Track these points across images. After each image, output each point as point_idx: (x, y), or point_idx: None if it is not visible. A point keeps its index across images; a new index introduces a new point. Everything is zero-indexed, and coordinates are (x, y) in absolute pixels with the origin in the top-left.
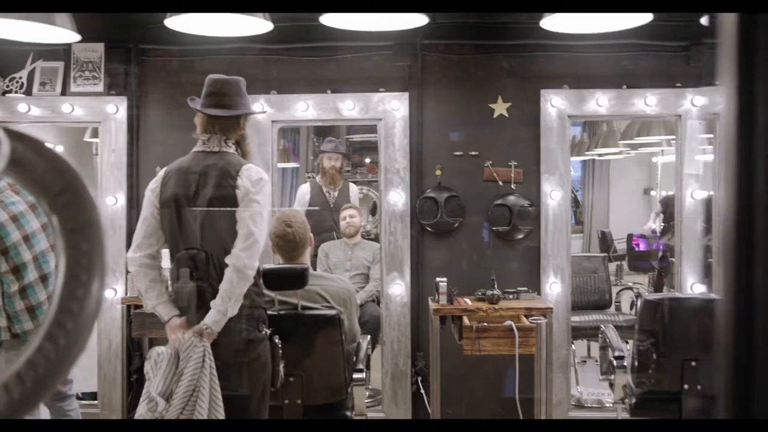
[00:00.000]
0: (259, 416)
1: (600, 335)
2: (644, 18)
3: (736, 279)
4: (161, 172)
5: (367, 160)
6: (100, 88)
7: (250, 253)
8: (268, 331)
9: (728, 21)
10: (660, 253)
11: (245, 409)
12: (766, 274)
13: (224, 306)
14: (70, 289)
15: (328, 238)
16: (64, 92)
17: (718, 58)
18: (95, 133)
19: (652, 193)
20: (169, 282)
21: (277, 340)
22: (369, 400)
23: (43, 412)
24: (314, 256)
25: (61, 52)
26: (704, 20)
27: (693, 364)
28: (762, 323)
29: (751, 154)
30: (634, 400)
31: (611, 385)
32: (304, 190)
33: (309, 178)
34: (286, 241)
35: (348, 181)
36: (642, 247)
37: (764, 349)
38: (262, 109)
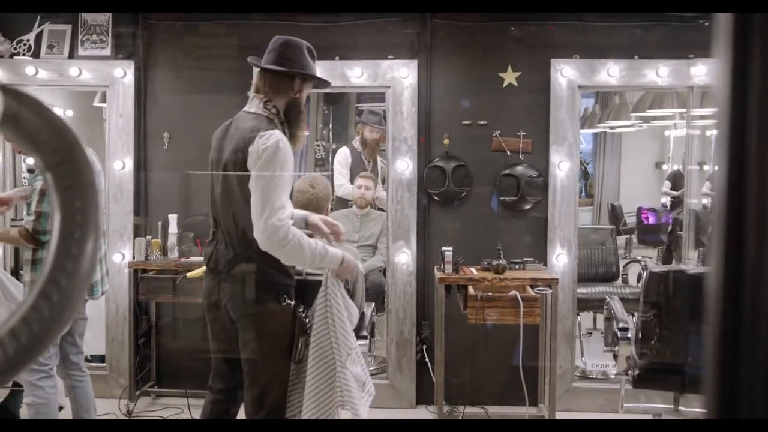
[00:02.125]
0: (275, 388)
1: (605, 307)
2: None
3: (726, 251)
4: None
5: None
6: (107, 51)
7: (265, 226)
8: (292, 303)
9: None
10: (669, 227)
11: (262, 379)
12: (757, 247)
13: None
14: (64, 246)
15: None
16: (71, 56)
17: (714, 32)
18: (104, 98)
19: (664, 167)
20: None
21: (303, 315)
22: (374, 368)
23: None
24: None
25: (69, 15)
26: None
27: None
28: (750, 296)
29: (743, 130)
30: (637, 372)
31: (615, 357)
32: (346, 153)
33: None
34: (305, 199)
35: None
36: (651, 220)
37: (752, 322)
38: None
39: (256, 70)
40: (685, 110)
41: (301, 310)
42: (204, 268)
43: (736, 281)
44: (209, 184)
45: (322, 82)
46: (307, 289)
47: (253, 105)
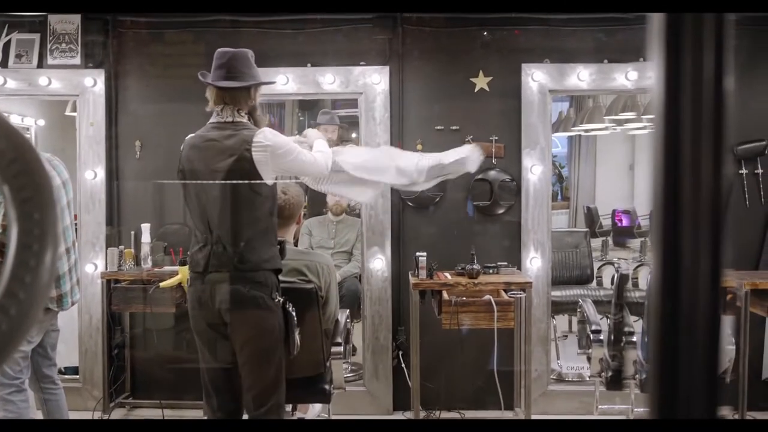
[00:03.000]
0: (277, 385)
1: (578, 310)
2: None
3: (664, 252)
4: (183, 143)
5: (353, 135)
6: (77, 60)
7: (317, 165)
8: (281, 299)
9: None
10: (641, 228)
11: (265, 377)
12: (693, 245)
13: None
14: (22, 259)
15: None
16: (40, 65)
17: (648, 33)
18: (77, 107)
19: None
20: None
21: (291, 309)
22: (350, 375)
23: None
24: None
25: (37, 24)
26: None
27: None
28: (687, 299)
29: (677, 133)
30: (610, 374)
31: (589, 359)
32: None
33: None
34: (278, 205)
35: None
36: (625, 222)
37: (689, 318)
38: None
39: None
40: (634, 114)
41: (289, 306)
42: (179, 277)
43: (673, 282)
44: (189, 194)
45: (269, 84)
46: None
47: (227, 115)
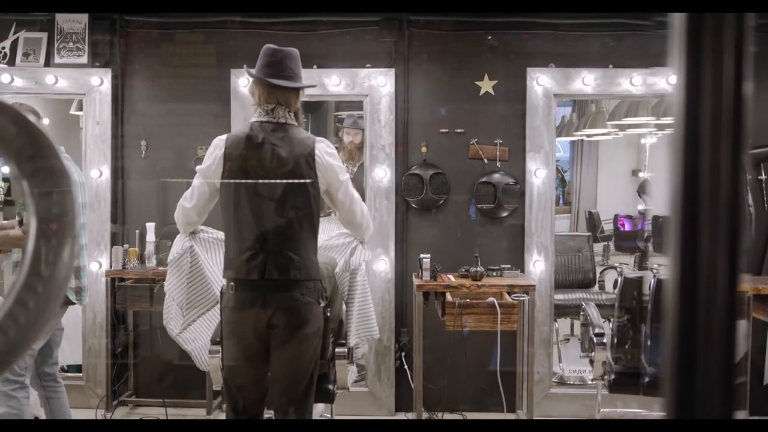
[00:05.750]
0: (311, 386)
1: (581, 313)
2: None
3: (682, 256)
4: (220, 142)
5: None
6: (84, 59)
7: (363, 216)
8: (323, 303)
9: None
10: (645, 234)
11: (302, 377)
12: (710, 252)
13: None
14: (40, 253)
15: None
16: (47, 63)
17: (669, 40)
18: (81, 106)
19: (641, 174)
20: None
21: (327, 313)
22: (354, 377)
23: None
24: None
25: (45, 23)
26: None
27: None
28: (705, 300)
29: (696, 137)
30: (612, 377)
31: (591, 362)
32: None
33: None
34: None
35: None
36: (627, 227)
37: (706, 322)
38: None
39: (252, 80)
40: (654, 119)
41: (327, 311)
42: None
43: (691, 284)
44: (237, 198)
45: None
46: None
47: (279, 115)
